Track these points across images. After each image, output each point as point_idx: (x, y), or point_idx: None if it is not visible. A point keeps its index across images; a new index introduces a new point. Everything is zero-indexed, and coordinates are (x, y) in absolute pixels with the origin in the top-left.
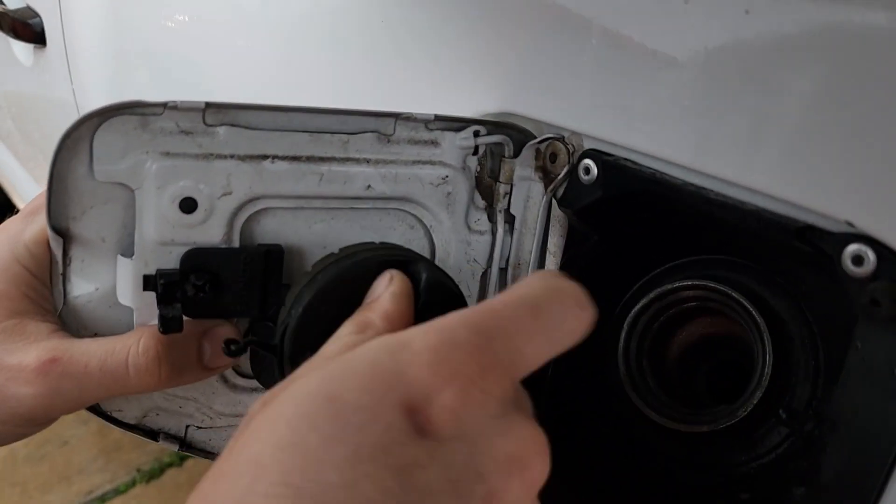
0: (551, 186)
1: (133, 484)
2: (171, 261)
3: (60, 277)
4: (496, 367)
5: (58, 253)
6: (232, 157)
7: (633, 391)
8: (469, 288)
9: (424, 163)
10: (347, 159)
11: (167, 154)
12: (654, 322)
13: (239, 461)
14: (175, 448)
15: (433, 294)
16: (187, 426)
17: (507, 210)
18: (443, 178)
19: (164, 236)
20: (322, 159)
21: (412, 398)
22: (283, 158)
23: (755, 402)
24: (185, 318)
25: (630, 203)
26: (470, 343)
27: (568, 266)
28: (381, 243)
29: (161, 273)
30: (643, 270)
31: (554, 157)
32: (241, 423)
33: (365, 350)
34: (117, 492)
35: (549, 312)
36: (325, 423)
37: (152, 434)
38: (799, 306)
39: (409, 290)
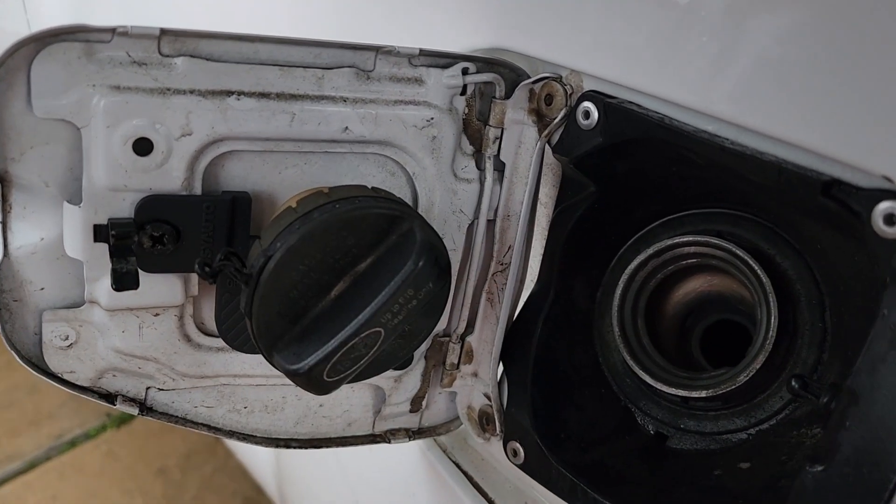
0: (546, 131)
1: (103, 429)
2: (125, 209)
3: (0, 226)
4: None
5: None
6: (192, 92)
7: (627, 352)
8: (454, 241)
9: (407, 103)
10: (322, 97)
11: (117, 88)
12: (650, 279)
13: None
14: (135, 412)
15: (426, 256)
16: (147, 388)
17: (497, 156)
18: (427, 121)
19: (115, 182)
20: (294, 97)
21: None
22: (250, 95)
23: (758, 367)
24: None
25: (633, 151)
26: None
27: (560, 218)
28: (374, 189)
29: (113, 223)
30: (641, 223)
31: (550, 98)
32: None
33: None
34: (87, 436)
35: None
36: None
37: (109, 397)
38: (807, 265)
39: None
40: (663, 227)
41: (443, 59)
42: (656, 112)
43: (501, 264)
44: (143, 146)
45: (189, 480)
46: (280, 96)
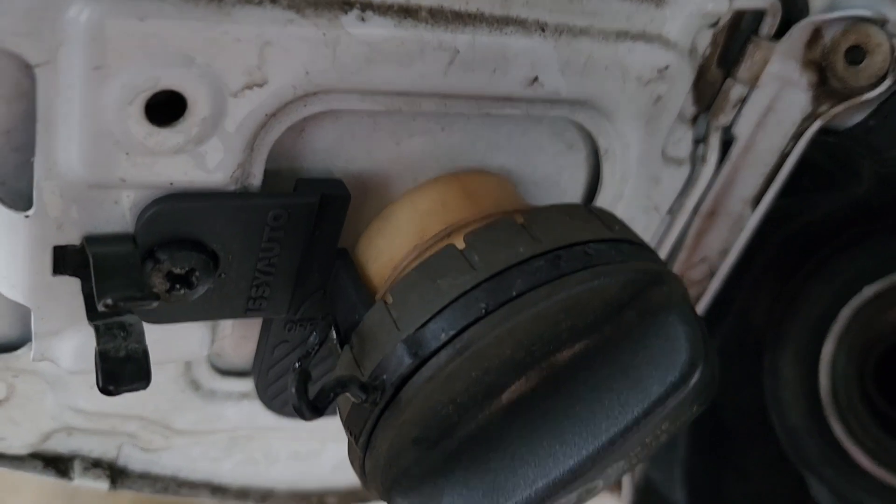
0: (840, 107)
1: None
2: (117, 217)
3: None
4: None
5: None
6: (275, 1)
7: (838, 419)
8: None
9: (635, 37)
10: (507, 21)
11: None
12: (879, 317)
13: None
14: (104, 487)
15: (704, 365)
16: (120, 444)
17: (729, 128)
18: (659, 71)
19: (103, 171)
20: (460, 17)
21: None
22: (385, 11)
23: None
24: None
25: None
26: None
27: (779, 216)
28: (590, 210)
29: (96, 250)
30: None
31: (859, 54)
32: None
33: None
34: None
35: None
36: None
37: (58, 463)
38: None
39: None
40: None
41: None
42: None
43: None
44: (166, 106)
45: None
46: (436, 16)
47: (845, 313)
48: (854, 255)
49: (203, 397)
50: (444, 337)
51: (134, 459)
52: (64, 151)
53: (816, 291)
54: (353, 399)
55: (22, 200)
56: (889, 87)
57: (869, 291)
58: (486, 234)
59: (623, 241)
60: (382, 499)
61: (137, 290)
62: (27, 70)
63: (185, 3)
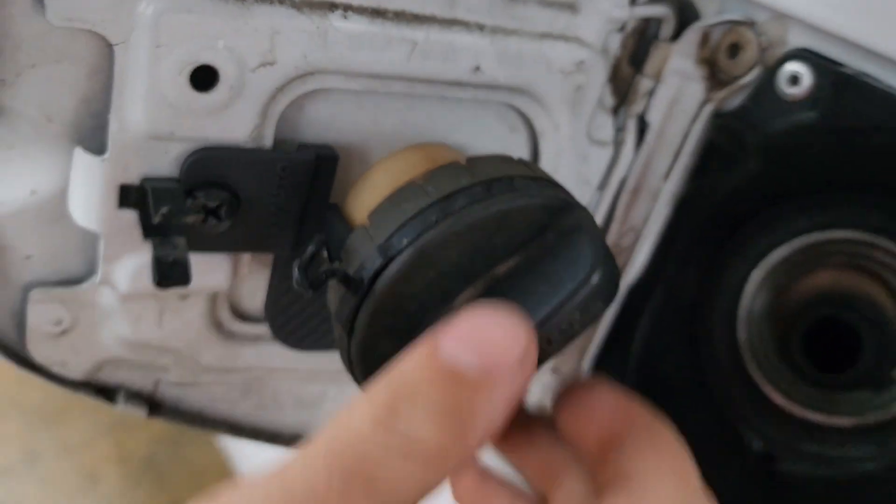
0: (723, 92)
1: None
2: (167, 164)
3: None
4: None
5: None
6: (282, 2)
7: (754, 364)
8: None
9: (556, 37)
10: (454, 22)
11: None
12: (787, 278)
13: None
14: (142, 414)
15: (603, 269)
16: (157, 380)
17: (642, 116)
18: (577, 64)
19: (158, 126)
20: (417, 19)
21: None
22: (361, 12)
23: None
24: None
25: (860, 142)
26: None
27: (700, 193)
28: (522, 162)
29: (153, 186)
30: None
31: (735, 50)
32: None
33: None
34: None
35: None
36: None
37: (107, 392)
38: None
39: None
40: (798, 209)
41: None
42: None
43: (615, 247)
44: (204, 77)
45: None
46: (400, 17)
47: (756, 275)
48: (760, 225)
49: (224, 337)
50: (405, 242)
51: (167, 397)
52: (131, 110)
53: (732, 262)
54: (340, 289)
55: (95, 145)
56: (757, 75)
57: (775, 256)
58: (438, 172)
59: (543, 180)
60: (361, 383)
61: (183, 206)
62: (107, 49)
63: (219, 0)
